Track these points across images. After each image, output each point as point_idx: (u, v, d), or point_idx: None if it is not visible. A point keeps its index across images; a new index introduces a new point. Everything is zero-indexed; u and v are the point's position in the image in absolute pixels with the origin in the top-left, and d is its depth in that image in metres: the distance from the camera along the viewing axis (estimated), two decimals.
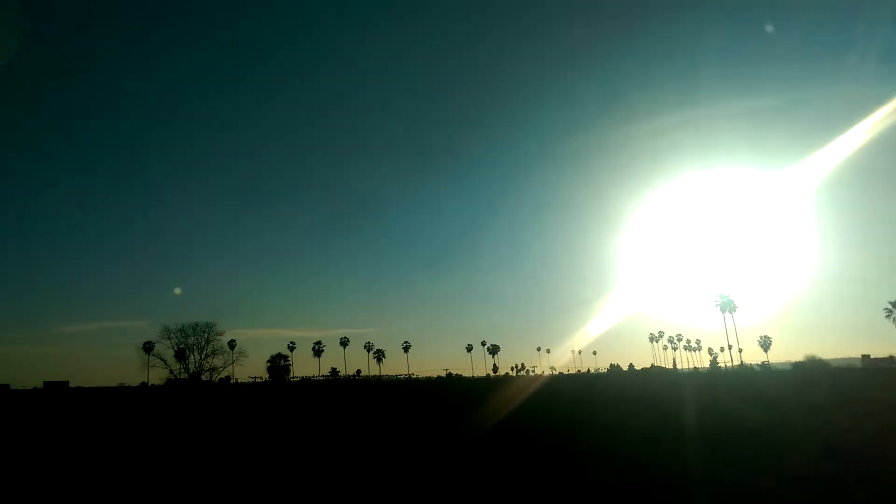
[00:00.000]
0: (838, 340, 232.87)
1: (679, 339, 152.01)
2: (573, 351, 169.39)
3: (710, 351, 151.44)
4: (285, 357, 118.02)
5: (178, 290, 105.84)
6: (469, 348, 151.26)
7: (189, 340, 72.25)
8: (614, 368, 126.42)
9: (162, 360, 71.25)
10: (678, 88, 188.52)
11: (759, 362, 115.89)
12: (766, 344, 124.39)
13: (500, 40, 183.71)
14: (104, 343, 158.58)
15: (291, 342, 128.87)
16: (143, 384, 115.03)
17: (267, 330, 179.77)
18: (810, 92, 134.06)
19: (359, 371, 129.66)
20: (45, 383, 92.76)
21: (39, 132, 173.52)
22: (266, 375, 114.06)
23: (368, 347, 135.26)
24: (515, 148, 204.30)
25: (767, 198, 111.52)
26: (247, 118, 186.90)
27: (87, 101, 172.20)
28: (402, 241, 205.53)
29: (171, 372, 70.93)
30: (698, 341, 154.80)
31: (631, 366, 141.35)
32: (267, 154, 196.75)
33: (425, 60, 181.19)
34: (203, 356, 72.01)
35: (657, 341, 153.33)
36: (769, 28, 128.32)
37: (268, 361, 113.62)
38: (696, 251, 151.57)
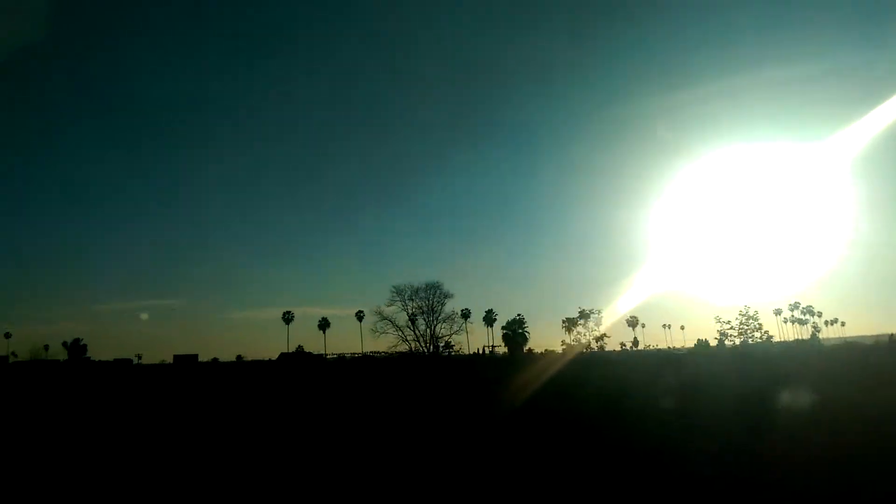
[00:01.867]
0: None
1: (804, 310, 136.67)
2: (664, 326, 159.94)
3: (814, 325, 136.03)
4: (522, 323, 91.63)
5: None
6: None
7: (418, 303, 60.80)
8: (701, 344, 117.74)
9: (395, 324, 59.75)
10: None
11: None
12: None
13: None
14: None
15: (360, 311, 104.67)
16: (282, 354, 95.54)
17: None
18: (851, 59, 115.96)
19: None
20: (175, 357, 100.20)
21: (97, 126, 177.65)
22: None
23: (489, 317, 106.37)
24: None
25: (805, 170, 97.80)
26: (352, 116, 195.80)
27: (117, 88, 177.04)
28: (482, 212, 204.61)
29: (405, 339, 59.94)
30: (815, 309, 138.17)
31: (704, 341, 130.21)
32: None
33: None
34: (433, 322, 60.78)
35: (780, 314, 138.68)
36: None
37: (503, 328, 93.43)
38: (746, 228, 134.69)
